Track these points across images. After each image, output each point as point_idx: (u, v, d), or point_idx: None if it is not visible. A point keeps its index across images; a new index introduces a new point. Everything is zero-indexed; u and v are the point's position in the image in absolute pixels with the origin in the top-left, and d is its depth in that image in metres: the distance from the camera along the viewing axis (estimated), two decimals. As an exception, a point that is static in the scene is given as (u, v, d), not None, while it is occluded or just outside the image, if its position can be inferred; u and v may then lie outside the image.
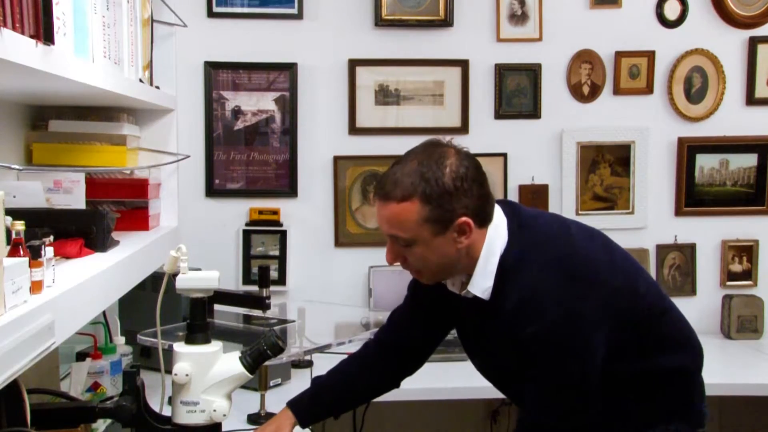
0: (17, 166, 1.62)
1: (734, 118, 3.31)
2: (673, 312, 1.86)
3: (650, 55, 3.27)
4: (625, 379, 1.75)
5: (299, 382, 2.59)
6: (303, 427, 1.94)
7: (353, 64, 3.19)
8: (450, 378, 2.61)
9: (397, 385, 2.02)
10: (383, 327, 2.04)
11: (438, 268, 1.71)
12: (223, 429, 1.67)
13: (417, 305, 1.97)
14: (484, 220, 1.69)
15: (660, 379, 1.78)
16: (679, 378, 1.83)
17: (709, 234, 3.34)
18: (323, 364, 2.80)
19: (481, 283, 1.70)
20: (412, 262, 1.71)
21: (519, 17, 3.23)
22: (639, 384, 1.77)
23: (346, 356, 2.07)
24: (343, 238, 3.23)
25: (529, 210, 1.83)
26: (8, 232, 1.16)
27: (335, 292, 3.20)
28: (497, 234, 1.70)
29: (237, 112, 3.18)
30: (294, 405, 1.95)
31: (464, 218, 1.64)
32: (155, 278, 2.16)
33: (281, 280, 3.17)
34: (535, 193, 3.26)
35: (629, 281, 1.76)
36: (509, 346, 1.70)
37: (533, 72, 3.25)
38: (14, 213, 1.21)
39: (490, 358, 1.84)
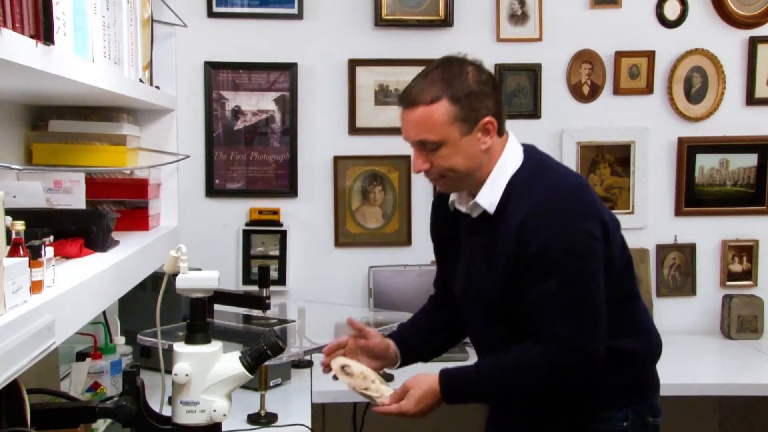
0: (17, 166, 1.62)
1: (734, 118, 3.31)
2: (639, 298, 1.92)
3: (650, 55, 3.27)
4: None
5: (299, 382, 2.60)
6: (403, 364, 2.01)
7: (353, 64, 3.19)
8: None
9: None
10: (431, 296, 2.14)
11: (462, 170, 1.79)
12: (223, 429, 1.67)
13: (439, 258, 2.06)
14: (501, 127, 1.82)
15: (612, 361, 1.79)
16: (632, 364, 1.86)
17: (709, 234, 3.34)
18: (323, 364, 2.81)
19: (489, 196, 1.80)
20: (438, 165, 1.78)
21: (519, 17, 3.23)
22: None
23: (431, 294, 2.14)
24: (343, 238, 3.23)
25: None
26: (8, 232, 1.16)
27: (335, 292, 3.20)
28: (512, 155, 1.83)
29: (237, 112, 3.18)
30: (398, 341, 1.99)
31: (488, 117, 1.77)
32: (155, 278, 2.16)
33: (281, 280, 3.17)
34: (535, 193, 3.26)
35: (622, 240, 1.87)
36: (512, 266, 1.75)
37: (533, 72, 3.25)
38: (14, 213, 1.21)
39: (485, 287, 1.84)
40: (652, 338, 1.93)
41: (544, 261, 1.72)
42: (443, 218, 1.97)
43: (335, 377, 1.92)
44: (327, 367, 1.94)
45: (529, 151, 1.87)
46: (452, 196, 1.92)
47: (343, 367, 1.90)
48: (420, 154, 1.80)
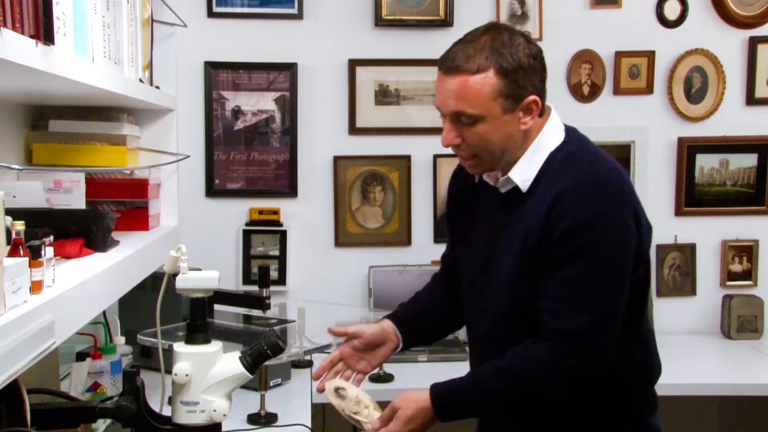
0: (17, 166, 1.61)
1: (734, 118, 3.31)
2: (647, 321, 1.82)
3: (650, 55, 3.27)
4: None
5: (299, 382, 2.60)
6: (403, 349, 1.91)
7: (353, 64, 3.19)
8: (450, 378, 2.61)
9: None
10: (437, 272, 2.03)
11: (497, 150, 1.65)
12: (223, 429, 1.67)
13: (451, 231, 1.92)
14: (543, 107, 1.67)
15: (611, 383, 1.68)
16: (630, 388, 1.75)
17: (709, 234, 3.34)
18: (323, 364, 2.80)
19: (524, 173, 1.67)
20: (471, 143, 1.64)
21: (519, 17, 3.23)
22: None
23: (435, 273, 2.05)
24: (343, 238, 3.23)
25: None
26: (8, 232, 1.16)
27: (335, 292, 3.20)
28: (553, 132, 1.69)
29: (237, 112, 3.18)
30: (399, 322, 1.88)
31: (533, 96, 1.63)
32: (155, 278, 2.16)
33: (281, 280, 3.17)
34: (535, 193, 3.26)
35: (647, 252, 1.74)
36: (534, 246, 1.61)
37: (533, 72, 3.25)
38: (14, 213, 1.21)
39: (498, 267, 1.71)
40: (654, 364, 1.81)
41: (572, 244, 1.58)
42: (464, 189, 1.81)
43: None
44: (322, 390, 1.83)
45: (572, 131, 1.73)
46: None
47: (337, 390, 1.80)
48: (453, 126, 1.64)
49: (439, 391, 1.68)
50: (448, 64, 1.62)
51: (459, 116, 1.62)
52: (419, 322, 1.93)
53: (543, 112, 1.69)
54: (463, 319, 1.92)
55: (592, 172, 1.64)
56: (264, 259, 3.12)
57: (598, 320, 1.60)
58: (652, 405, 1.81)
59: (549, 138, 1.69)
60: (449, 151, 1.72)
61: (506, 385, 1.64)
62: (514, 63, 1.59)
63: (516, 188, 1.68)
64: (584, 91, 3.28)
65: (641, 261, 1.69)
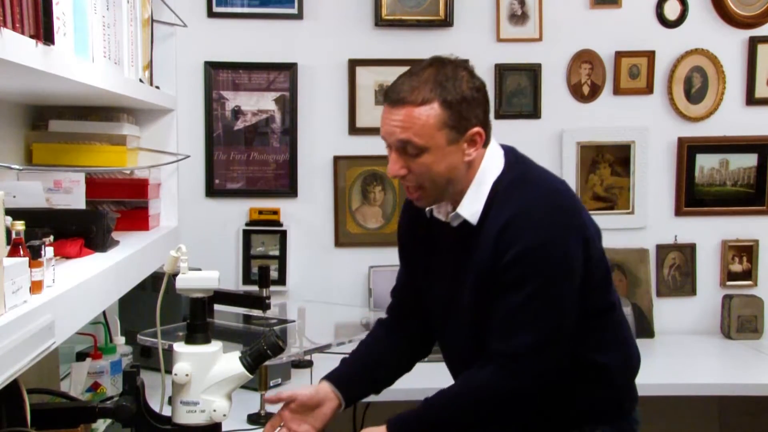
0: (17, 166, 1.62)
1: (734, 118, 3.31)
2: (620, 311, 1.86)
3: (650, 55, 3.27)
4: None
5: (299, 382, 2.60)
6: (347, 406, 1.88)
7: (353, 64, 3.19)
8: (449, 378, 2.61)
9: (419, 358, 1.99)
10: (388, 307, 2.02)
11: (442, 181, 1.69)
12: (223, 429, 1.67)
13: (406, 261, 1.95)
14: (487, 138, 1.73)
15: (590, 376, 1.76)
16: (610, 379, 1.80)
17: (709, 234, 3.34)
18: (323, 364, 2.80)
19: (471, 206, 1.71)
20: (417, 174, 1.68)
21: (519, 17, 3.23)
22: (569, 377, 1.72)
23: (379, 318, 2.04)
24: (343, 238, 3.23)
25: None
26: (8, 232, 1.16)
27: (335, 292, 3.20)
28: (493, 162, 1.74)
29: (237, 112, 3.18)
30: (336, 381, 1.86)
31: (477, 128, 1.68)
32: (155, 278, 2.16)
33: (281, 280, 3.17)
34: (535, 193, 3.26)
35: (601, 251, 1.79)
36: (487, 276, 1.67)
37: (533, 72, 3.25)
38: (14, 213, 1.21)
39: (454, 306, 1.77)
40: (632, 352, 1.86)
41: (517, 270, 1.64)
42: (417, 224, 1.85)
43: None
44: None
45: (510, 155, 1.77)
46: None
47: None
48: (399, 157, 1.68)
49: (396, 424, 1.72)
50: (393, 97, 1.66)
51: (405, 147, 1.66)
52: (361, 376, 1.91)
53: (487, 143, 1.74)
54: (418, 356, 1.98)
55: (533, 200, 1.69)
56: (264, 259, 3.12)
57: (540, 341, 1.65)
58: (634, 398, 1.87)
59: (490, 167, 1.73)
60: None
61: (457, 412, 1.70)
62: (457, 95, 1.64)
63: (467, 221, 1.73)
64: (584, 91, 3.28)
65: (596, 266, 1.74)
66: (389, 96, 1.67)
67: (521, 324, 1.66)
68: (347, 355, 1.97)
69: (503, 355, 1.67)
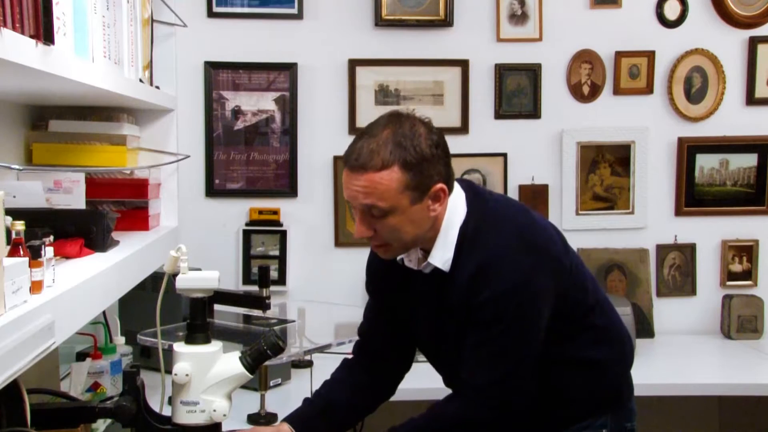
0: (17, 166, 1.62)
1: (734, 118, 3.31)
2: (606, 305, 1.89)
3: (650, 55, 3.27)
4: (555, 365, 1.78)
5: (299, 382, 2.60)
6: None
7: (353, 64, 3.19)
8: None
9: (384, 398, 2.00)
10: (355, 346, 2.02)
11: (409, 239, 1.70)
12: (223, 429, 1.67)
13: (378, 302, 1.98)
14: (451, 189, 1.72)
15: (587, 370, 1.81)
16: (606, 371, 1.85)
17: (709, 234, 3.34)
18: (323, 364, 2.80)
19: (442, 255, 1.72)
20: (383, 234, 1.69)
21: (519, 17, 3.23)
22: (567, 374, 1.80)
23: (345, 357, 2.05)
24: (343, 238, 3.23)
25: (484, 188, 1.89)
26: (8, 232, 1.16)
27: (335, 292, 3.20)
28: (456, 206, 1.73)
29: (237, 112, 3.18)
30: (296, 422, 1.87)
31: (440, 185, 1.67)
32: (155, 278, 2.16)
33: (281, 280, 3.17)
34: (535, 193, 3.26)
35: (576, 267, 1.81)
36: (462, 317, 1.71)
37: (533, 72, 3.25)
38: (14, 213, 1.21)
39: (441, 339, 1.81)
40: (624, 344, 1.90)
41: (487, 312, 1.67)
42: (390, 268, 1.85)
43: None
44: None
45: (469, 193, 1.76)
46: None
47: None
48: (364, 219, 1.67)
49: None
50: (353, 162, 1.64)
51: (370, 210, 1.66)
52: (321, 418, 1.90)
53: (450, 193, 1.72)
54: (383, 397, 1.98)
55: (498, 245, 1.69)
56: (264, 259, 3.12)
57: (503, 374, 1.70)
58: (630, 387, 1.92)
59: (455, 213, 1.73)
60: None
61: None
62: (417, 155, 1.62)
63: (437, 267, 1.74)
64: (584, 91, 3.28)
65: (572, 272, 1.77)
66: (349, 161, 1.66)
67: (486, 358, 1.70)
68: (310, 396, 1.98)
69: (468, 386, 1.72)
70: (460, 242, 1.71)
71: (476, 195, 1.77)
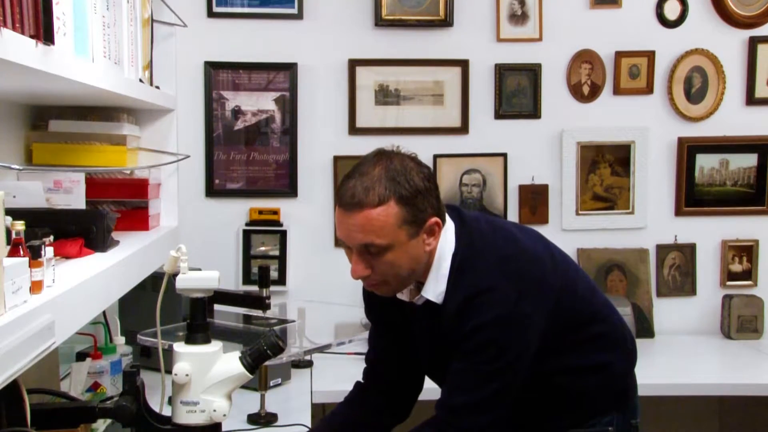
0: (17, 166, 1.62)
1: (734, 118, 3.31)
2: (606, 309, 1.90)
3: (650, 55, 3.27)
4: (562, 373, 1.80)
5: (299, 382, 2.60)
6: None
7: (353, 64, 3.19)
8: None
9: (399, 421, 1.99)
10: (364, 373, 2.02)
11: (406, 275, 1.71)
12: (223, 429, 1.67)
13: (379, 328, 1.97)
14: (443, 221, 1.72)
15: (595, 374, 1.83)
16: (613, 372, 1.87)
17: (709, 234, 3.34)
18: (323, 364, 2.81)
19: (435, 288, 1.73)
20: (381, 272, 1.69)
21: (519, 17, 3.23)
22: (575, 380, 1.82)
23: (357, 381, 2.03)
24: (343, 238, 3.23)
25: (471, 213, 1.87)
26: (8, 232, 1.16)
27: (335, 292, 3.19)
28: (446, 238, 1.73)
29: (237, 112, 3.18)
30: None
31: (434, 218, 1.68)
32: (155, 278, 2.16)
33: (281, 280, 3.17)
34: (535, 193, 3.26)
35: (568, 282, 1.81)
36: (454, 347, 1.71)
37: (533, 72, 3.25)
38: (14, 213, 1.21)
39: (438, 367, 1.83)
40: (628, 344, 1.92)
41: (473, 342, 1.68)
42: (384, 300, 1.84)
43: None
44: None
45: (457, 221, 1.76)
46: None
47: None
48: (361, 258, 1.67)
49: None
50: (347, 201, 1.63)
51: (367, 248, 1.65)
52: None
53: (442, 225, 1.72)
54: (396, 421, 1.98)
55: (485, 275, 1.70)
56: (264, 259, 3.13)
57: (481, 401, 1.69)
58: (634, 387, 1.94)
59: (446, 244, 1.73)
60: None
61: None
62: (411, 189, 1.63)
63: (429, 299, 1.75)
64: (584, 91, 3.28)
65: (566, 302, 1.77)
66: (343, 200, 1.64)
67: (466, 383, 1.71)
68: (329, 414, 1.99)
69: (444, 406, 1.73)
70: (452, 274, 1.72)
71: (463, 225, 1.77)
